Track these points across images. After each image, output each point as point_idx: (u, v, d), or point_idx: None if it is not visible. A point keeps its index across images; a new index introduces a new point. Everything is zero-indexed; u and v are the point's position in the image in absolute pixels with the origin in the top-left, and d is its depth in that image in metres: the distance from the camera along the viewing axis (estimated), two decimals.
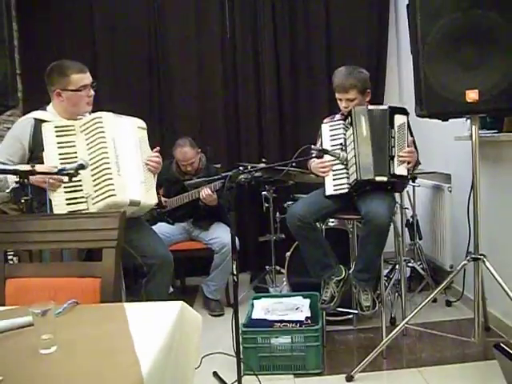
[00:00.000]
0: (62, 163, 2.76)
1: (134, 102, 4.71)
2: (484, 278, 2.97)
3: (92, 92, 3.02)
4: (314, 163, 3.26)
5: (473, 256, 2.88)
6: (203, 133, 4.73)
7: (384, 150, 3.10)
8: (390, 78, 5.05)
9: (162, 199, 4.13)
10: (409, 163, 3.08)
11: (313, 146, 2.94)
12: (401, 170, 3.09)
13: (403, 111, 3.17)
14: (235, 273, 2.55)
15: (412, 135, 3.22)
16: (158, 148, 3.12)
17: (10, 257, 2.65)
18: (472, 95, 2.62)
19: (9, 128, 4.42)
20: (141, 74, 4.90)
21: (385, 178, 3.07)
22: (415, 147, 3.19)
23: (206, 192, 3.89)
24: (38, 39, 4.75)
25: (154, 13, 4.88)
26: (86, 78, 2.99)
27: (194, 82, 4.90)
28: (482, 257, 2.86)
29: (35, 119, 2.95)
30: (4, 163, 2.83)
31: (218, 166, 4.41)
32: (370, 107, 3.22)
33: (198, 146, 4.24)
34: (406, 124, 3.14)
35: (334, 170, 3.17)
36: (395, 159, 3.08)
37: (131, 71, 4.88)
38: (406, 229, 4.25)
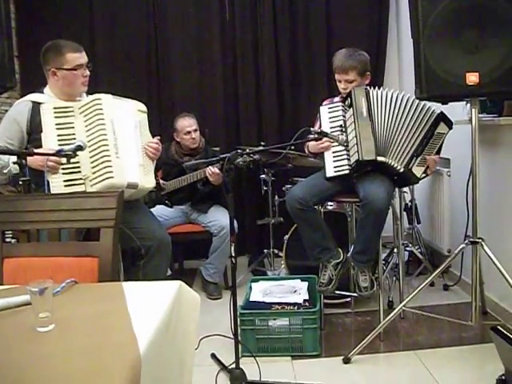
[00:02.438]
0: (60, 144, 2.76)
1: (132, 85, 4.71)
2: (481, 261, 2.98)
3: (87, 72, 3.00)
4: (312, 143, 3.26)
5: (471, 240, 2.88)
6: (202, 116, 4.69)
7: (412, 143, 3.08)
8: (389, 63, 5.02)
9: (161, 182, 4.14)
10: (428, 167, 3.10)
11: (312, 129, 2.92)
12: (417, 170, 3.10)
13: (450, 124, 3.15)
14: (233, 255, 2.55)
15: (441, 149, 3.20)
16: (158, 137, 3.12)
17: (7, 238, 2.66)
18: (472, 78, 2.61)
19: (6, 110, 4.41)
20: (139, 56, 4.88)
21: (401, 169, 3.06)
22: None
23: (212, 169, 3.88)
24: (35, 21, 4.70)
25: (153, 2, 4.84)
26: (82, 57, 2.97)
27: (192, 66, 4.88)
28: (480, 240, 2.86)
29: (33, 102, 2.94)
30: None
31: (217, 148, 4.41)
32: (372, 89, 3.19)
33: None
34: (444, 137, 3.14)
35: (334, 152, 3.16)
36: (419, 158, 3.08)
37: (130, 54, 4.86)
38: (405, 213, 4.25)
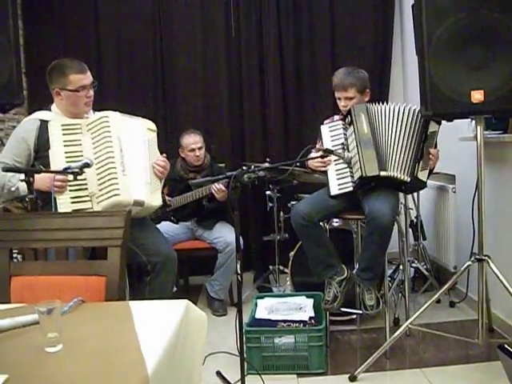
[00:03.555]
0: (67, 161, 2.78)
1: (138, 101, 4.74)
2: (488, 278, 2.97)
3: (91, 93, 3.01)
4: (311, 161, 3.28)
5: (477, 257, 2.87)
6: (208, 132, 4.71)
7: (411, 151, 3.10)
8: (394, 79, 5.04)
9: (166, 198, 4.14)
10: (432, 161, 3.12)
11: (317, 146, 2.94)
12: (423, 174, 3.12)
13: (438, 120, 3.17)
14: (239, 272, 2.55)
15: (436, 145, 3.22)
16: (164, 154, 3.14)
17: (14, 255, 2.67)
18: (477, 96, 2.62)
19: (14, 126, 4.46)
20: (146, 73, 4.91)
21: (408, 179, 3.07)
22: None
23: (218, 186, 3.89)
24: (43, 38, 4.76)
25: (160, 14, 4.89)
26: (85, 78, 2.97)
27: (199, 83, 4.91)
28: (486, 258, 2.85)
29: (40, 120, 2.96)
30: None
31: (222, 165, 4.42)
32: (372, 105, 3.21)
33: None
34: (437, 133, 3.16)
35: (337, 170, 3.18)
36: (421, 163, 3.09)
37: (136, 71, 4.90)
38: (410, 229, 4.24)
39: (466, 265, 2.91)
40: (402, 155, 3.10)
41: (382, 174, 3.05)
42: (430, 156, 3.11)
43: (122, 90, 4.86)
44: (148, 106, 4.82)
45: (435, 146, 3.19)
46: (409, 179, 3.09)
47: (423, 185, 3.19)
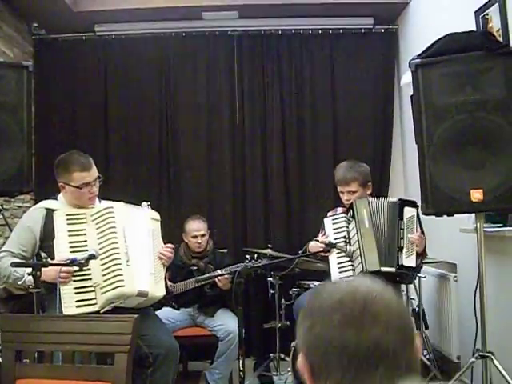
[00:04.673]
0: (72, 251, 2.82)
1: (143, 184, 4.84)
2: (492, 373, 2.93)
3: (94, 189, 3.05)
4: (312, 244, 3.32)
5: (481, 354, 2.85)
6: (210, 216, 4.76)
7: (392, 241, 3.15)
8: (394, 171, 5.13)
9: (168, 283, 4.13)
10: (417, 246, 3.13)
11: (321, 240, 2.99)
12: (409, 261, 3.14)
13: (413, 204, 3.24)
14: (242, 369, 2.53)
15: (421, 227, 3.26)
16: (171, 245, 3.17)
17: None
18: (477, 195, 2.69)
19: (19, 206, 4.52)
20: (151, 157, 5.03)
21: (392, 269, 3.10)
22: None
23: (220, 273, 3.89)
24: (52, 127, 4.93)
25: (165, 100, 5.06)
26: (89, 176, 3.01)
27: (202, 168, 5.02)
28: (489, 354, 2.83)
29: (47, 209, 3.01)
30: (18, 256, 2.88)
31: (225, 251, 4.44)
32: (373, 199, 3.30)
33: None
34: (416, 216, 3.21)
35: (339, 263, 3.21)
36: (404, 250, 3.13)
37: (142, 153, 5.02)
38: (412, 318, 4.21)
39: (470, 362, 2.89)
40: (383, 247, 3.15)
41: (383, 269, 3.08)
42: (411, 241, 3.15)
43: (127, 171, 4.98)
44: (152, 189, 4.91)
45: (421, 230, 3.23)
46: (393, 269, 3.11)
47: (416, 269, 3.20)
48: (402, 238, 3.15)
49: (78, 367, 1.85)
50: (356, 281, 1.03)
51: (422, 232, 3.27)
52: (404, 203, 3.23)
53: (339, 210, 3.49)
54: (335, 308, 0.95)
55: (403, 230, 3.16)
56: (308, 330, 0.97)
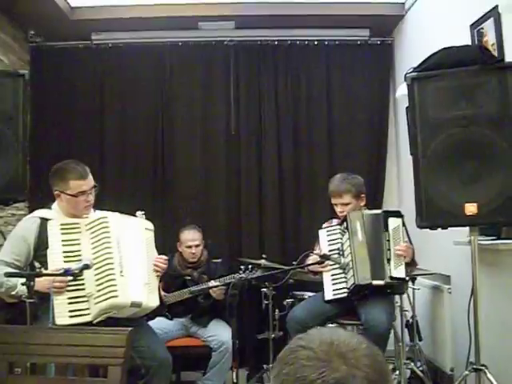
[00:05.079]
0: (65, 261, 2.81)
1: (138, 196, 4.84)
2: None
3: (90, 198, 3.07)
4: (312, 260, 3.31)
5: (474, 367, 2.85)
6: (205, 227, 4.76)
7: (380, 253, 3.16)
8: (389, 182, 5.14)
9: (162, 293, 4.12)
10: (405, 257, 3.13)
11: (314, 252, 3.00)
12: (398, 272, 3.14)
13: (397, 214, 3.26)
14: (235, 381, 2.53)
15: (408, 236, 3.27)
16: (165, 256, 3.17)
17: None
18: (471, 208, 2.69)
19: (13, 214, 4.50)
20: (146, 167, 5.05)
21: (382, 282, 3.11)
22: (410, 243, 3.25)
23: (214, 284, 3.88)
24: (47, 136, 4.94)
25: (161, 109, 5.07)
26: (85, 184, 3.03)
27: (197, 178, 5.02)
28: (483, 368, 2.83)
29: (41, 218, 3.00)
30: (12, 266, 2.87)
31: (219, 260, 4.44)
32: (365, 212, 3.31)
33: None
34: (401, 226, 3.22)
35: (332, 275, 3.22)
36: (392, 262, 3.13)
37: (137, 164, 5.04)
38: (406, 329, 4.21)
39: (464, 375, 2.89)
40: (374, 259, 3.16)
41: (375, 283, 3.09)
42: (398, 252, 3.15)
43: (123, 183, 4.98)
44: (147, 199, 4.90)
45: (408, 239, 3.25)
46: (382, 282, 3.12)
47: (404, 282, 3.21)
48: (389, 250, 3.17)
49: (70, 380, 1.84)
50: (327, 330, 1.01)
51: (410, 241, 3.27)
52: (388, 214, 3.25)
53: (334, 221, 3.51)
54: (301, 347, 0.93)
55: (389, 241, 3.18)
56: (277, 375, 0.95)
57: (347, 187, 3.35)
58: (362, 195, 3.42)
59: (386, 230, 3.20)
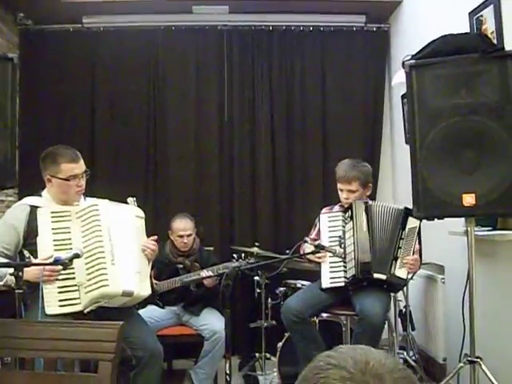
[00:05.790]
0: (56, 249, 2.75)
1: (129, 182, 4.77)
2: (480, 378, 2.91)
3: (82, 182, 3.01)
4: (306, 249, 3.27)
5: (469, 359, 2.83)
6: (197, 213, 4.71)
7: (389, 248, 3.12)
8: (383, 171, 5.10)
9: (154, 282, 4.07)
10: (410, 269, 3.10)
11: (309, 242, 2.94)
12: (401, 272, 3.12)
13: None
14: (228, 372, 2.49)
15: (420, 243, 3.23)
16: (155, 236, 3.11)
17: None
18: (469, 199, 2.65)
19: (2, 201, 4.44)
20: (138, 153, 4.98)
21: (383, 276, 3.08)
22: (420, 256, 3.20)
23: (207, 273, 3.84)
24: (37, 121, 4.85)
25: (153, 95, 5.00)
26: (77, 168, 2.97)
27: (190, 165, 4.96)
28: (478, 360, 2.81)
29: (30, 206, 2.94)
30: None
31: (211, 248, 4.39)
32: (374, 203, 3.25)
33: None
34: (417, 228, 3.17)
35: (331, 263, 3.17)
36: (398, 260, 3.10)
37: (128, 150, 4.97)
38: (399, 319, 4.20)
39: (458, 367, 2.86)
40: (383, 253, 3.11)
41: (376, 276, 3.05)
42: (405, 262, 3.11)
43: (114, 169, 4.91)
44: (139, 186, 4.84)
45: (419, 243, 3.20)
46: (384, 277, 3.08)
47: (404, 282, 3.17)
48: (400, 248, 3.13)
49: (60, 375, 1.79)
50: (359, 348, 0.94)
51: (420, 244, 3.23)
52: (409, 212, 3.17)
53: (336, 207, 3.45)
54: (332, 366, 0.87)
55: (403, 239, 3.13)
56: None
57: (357, 174, 3.28)
58: (370, 184, 3.37)
59: (403, 227, 3.15)
